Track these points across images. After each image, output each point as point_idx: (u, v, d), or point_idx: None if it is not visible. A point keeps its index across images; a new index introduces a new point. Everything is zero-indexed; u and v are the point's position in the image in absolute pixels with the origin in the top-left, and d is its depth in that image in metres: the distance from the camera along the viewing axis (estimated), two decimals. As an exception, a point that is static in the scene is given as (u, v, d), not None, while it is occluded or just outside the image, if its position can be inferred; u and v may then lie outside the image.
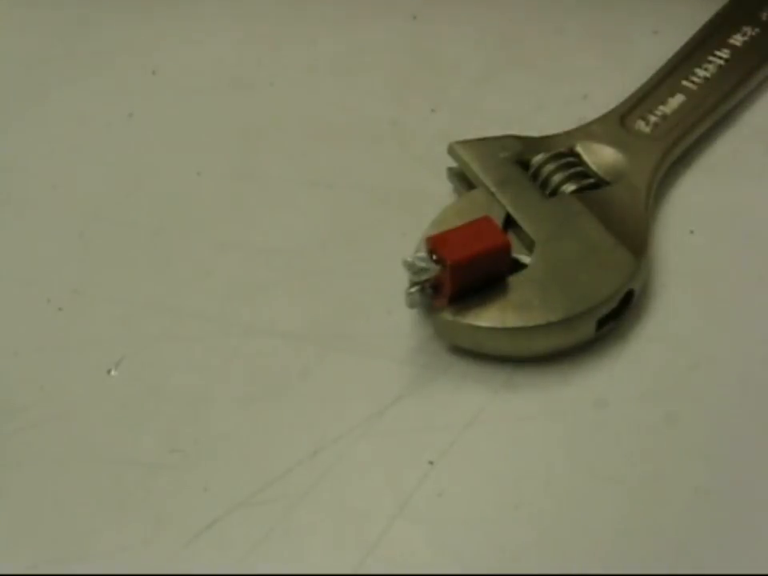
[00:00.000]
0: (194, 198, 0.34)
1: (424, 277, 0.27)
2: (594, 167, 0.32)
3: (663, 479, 0.26)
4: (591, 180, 0.31)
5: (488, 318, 0.28)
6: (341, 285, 0.31)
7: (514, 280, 0.28)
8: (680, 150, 0.33)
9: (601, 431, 0.27)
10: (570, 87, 0.36)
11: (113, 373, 0.29)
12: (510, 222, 0.30)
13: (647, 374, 0.28)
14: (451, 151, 0.32)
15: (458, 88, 0.36)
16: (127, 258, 0.32)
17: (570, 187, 0.30)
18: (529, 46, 0.38)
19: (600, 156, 0.32)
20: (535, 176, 0.31)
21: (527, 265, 0.29)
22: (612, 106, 0.33)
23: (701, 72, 0.34)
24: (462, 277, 0.27)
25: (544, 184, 0.31)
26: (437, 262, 0.27)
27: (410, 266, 0.27)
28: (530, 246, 0.29)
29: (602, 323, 0.28)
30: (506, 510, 0.26)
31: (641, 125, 0.33)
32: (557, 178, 0.31)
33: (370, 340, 0.29)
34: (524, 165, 0.31)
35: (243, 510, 0.26)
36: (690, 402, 0.27)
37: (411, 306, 0.28)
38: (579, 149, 0.32)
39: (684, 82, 0.34)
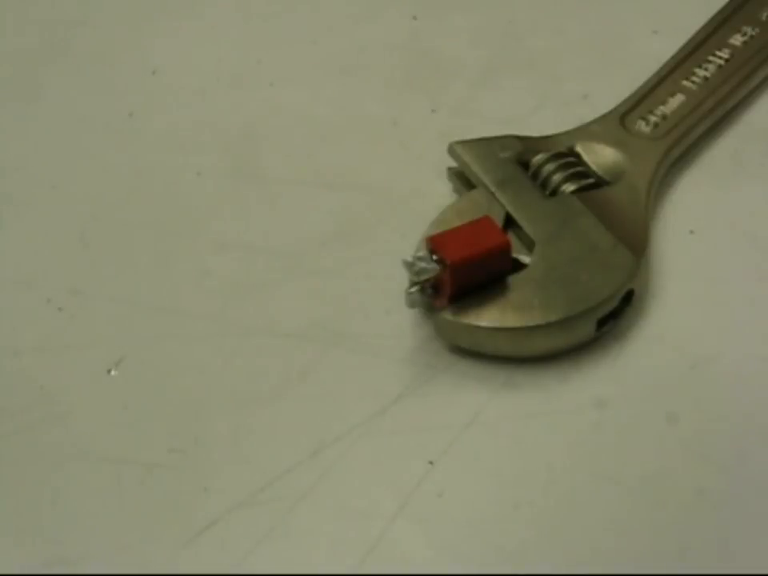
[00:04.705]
0: (194, 197, 0.34)
1: (424, 277, 0.27)
2: (594, 167, 0.32)
3: (663, 479, 0.26)
4: (591, 180, 0.31)
5: (488, 317, 0.28)
6: (341, 285, 0.31)
7: (513, 280, 0.28)
8: (680, 150, 0.33)
9: (601, 431, 0.27)
10: (570, 87, 0.36)
11: (113, 373, 0.29)
12: (510, 222, 0.30)
13: (647, 374, 0.28)
14: (451, 151, 0.32)
15: (457, 88, 0.36)
16: (127, 257, 0.32)
17: (570, 187, 0.30)
18: (529, 46, 0.37)
19: (600, 156, 0.32)
20: (535, 176, 0.31)
21: (527, 265, 0.29)
22: (612, 106, 0.33)
23: (701, 72, 0.34)
24: (461, 277, 0.27)
25: (544, 184, 0.31)
26: (437, 261, 0.27)
27: (410, 266, 0.27)
28: (530, 246, 0.29)
29: (601, 323, 0.28)
30: (506, 509, 0.26)
31: (641, 125, 0.33)
32: (557, 177, 0.31)
33: (370, 340, 0.29)
34: (524, 165, 0.31)
35: (243, 510, 0.26)
36: (690, 402, 0.27)
37: (411, 306, 0.28)
38: (579, 149, 0.32)
39: (684, 82, 0.34)
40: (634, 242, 0.29)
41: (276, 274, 0.31)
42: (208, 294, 0.31)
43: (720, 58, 0.35)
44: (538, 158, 0.31)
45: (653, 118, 0.33)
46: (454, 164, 0.32)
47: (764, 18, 0.36)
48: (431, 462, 0.27)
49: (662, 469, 0.26)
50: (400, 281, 0.28)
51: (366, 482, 0.27)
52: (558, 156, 0.31)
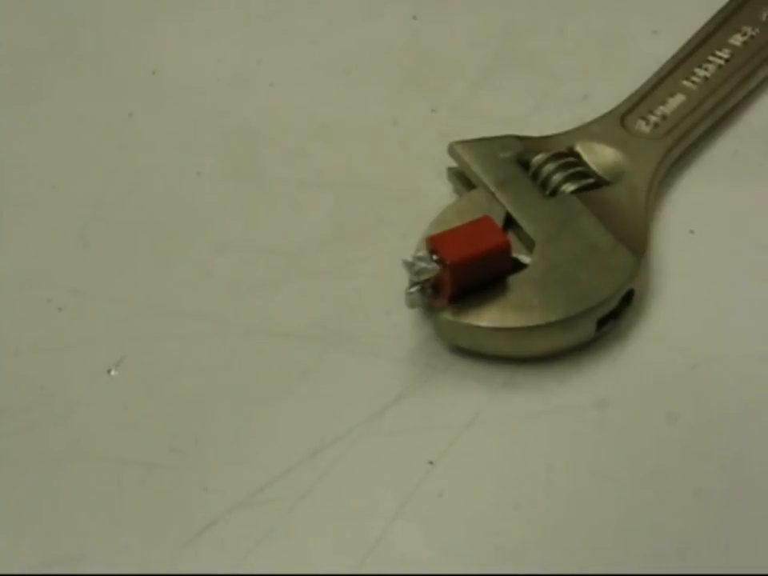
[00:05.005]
0: (194, 197, 0.34)
1: (424, 277, 0.27)
2: (594, 167, 0.32)
3: (663, 479, 0.26)
4: (591, 180, 0.31)
5: (488, 317, 0.28)
6: (341, 285, 0.31)
7: (513, 280, 0.28)
8: (680, 150, 0.33)
9: (601, 431, 0.27)
10: (570, 87, 0.36)
11: (113, 373, 0.29)
12: (510, 222, 0.30)
13: (647, 374, 0.28)
14: (451, 151, 0.32)
15: (457, 88, 0.36)
16: (127, 257, 0.32)
17: (570, 187, 0.30)
18: (529, 46, 0.37)
19: (600, 156, 0.32)
20: (535, 176, 0.31)
21: (527, 265, 0.29)
22: (612, 106, 0.33)
23: (701, 72, 0.34)
24: (462, 277, 0.27)
25: (544, 184, 0.31)
26: (437, 261, 0.27)
27: (410, 266, 0.27)
28: (529, 246, 0.29)
29: (601, 323, 0.28)
30: (506, 509, 0.26)
31: (641, 125, 0.33)
32: (557, 177, 0.31)
33: (370, 340, 0.29)
34: (524, 165, 0.31)
35: (243, 510, 0.26)
36: (690, 402, 0.27)
37: (411, 306, 0.28)
38: (579, 149, 0.32)
39: (684, 82, 0.34)
40: (634, 242, 0.29)
41: (276, 274, 0.31)
42: (208, 294, 0.31)
43: (720, 57, 0.35)
44: (537, 158, 0.31)
45: (653, 118, 0.33)
46: (454, 164, 0.32)
47: (764, 18, 0.36)
48: (431, 462, 0.27)
49: (661, 468, 0.26)
50: (400, 281, 0.28)
51: (366, 482, 0.27)
52: (557, 156, 0.31)
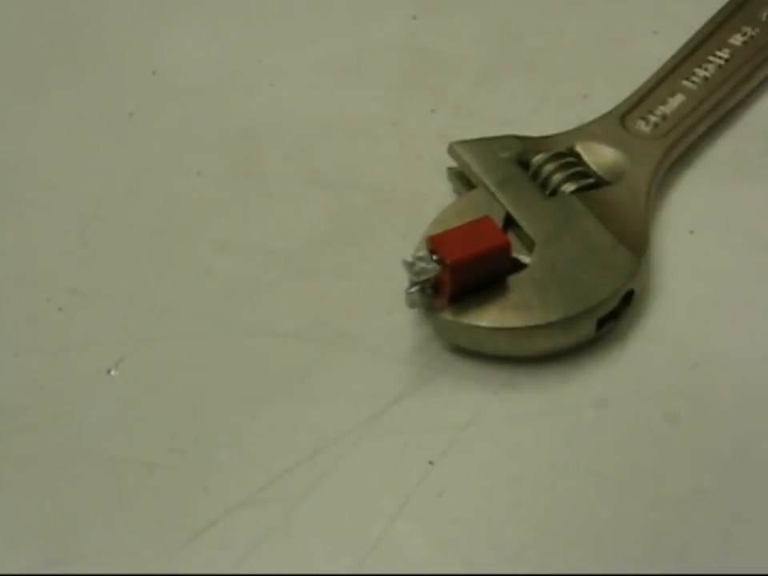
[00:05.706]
0: (194, 197, 0.34)
1: (424, 277, 0.27)
2: (594, 167, 0.32)
3: (663, 479, 0.26)
4: (591, 180, 0.31)
5: (488, 317, 0.28)
6: (341, 285, 0.31)
7: (513, 280, 0.28)
8: (680, 150, 0.33)
9: (601, 431, 0.27)
10: (570, 87, 0.36)
11: (113, 373, 0.29)
12: (510, 222, 0.30)
13: (647, 374, 0.28)
14: (451, 151, 0.32)
15: (458, 88, 0.36)
16: (127, 258, 0.32)
17: (570, 187, 0.30)
18: (529, 46, 0.37)
19: (600, 156, 0.32)
20: (535, 176, 0.31)
21: (527, 265, 0.29)
22: (612, 106, 0.33)
23: (701, 72, 0.34)
24: (462, 277, 0.27)
25: (544, 184, 0.31)
26: (437, 261, 0.27)
27: (410, 266, 0.27)
28: (530, 246, 0.29)
29: (601, 323, 0.28)
30: (505, 509, 0.26)
31: (641, 125, 0.33)
32: (557, 177, 0.31)
33: (370, 340, 0.29)
34: (524, 165, 0.31)
35: (243, 510, 0.26)
36: (690, 402, 0.27)
37: (411, 306, 0.28)
38: (579, 149, 0.32)
39: (684, 82, 0.34)
40: (634, 242, 0.29)
41: (276, 274, 0.31)
42: (208, 294, 0.31)
43: (720, 57, 0.35)
44: (538, 158, 0.31)
45: (653, 118, 0.33)
46: (454, 164, 0.32)
47: (764, 18, 0.36)
48: (431, 462, 0.27)
49: (661, 469, 0.26)
50: (400, 281, 0.28)
51: (366, 482, 0.27)
52: (558, 156, 0.31)
